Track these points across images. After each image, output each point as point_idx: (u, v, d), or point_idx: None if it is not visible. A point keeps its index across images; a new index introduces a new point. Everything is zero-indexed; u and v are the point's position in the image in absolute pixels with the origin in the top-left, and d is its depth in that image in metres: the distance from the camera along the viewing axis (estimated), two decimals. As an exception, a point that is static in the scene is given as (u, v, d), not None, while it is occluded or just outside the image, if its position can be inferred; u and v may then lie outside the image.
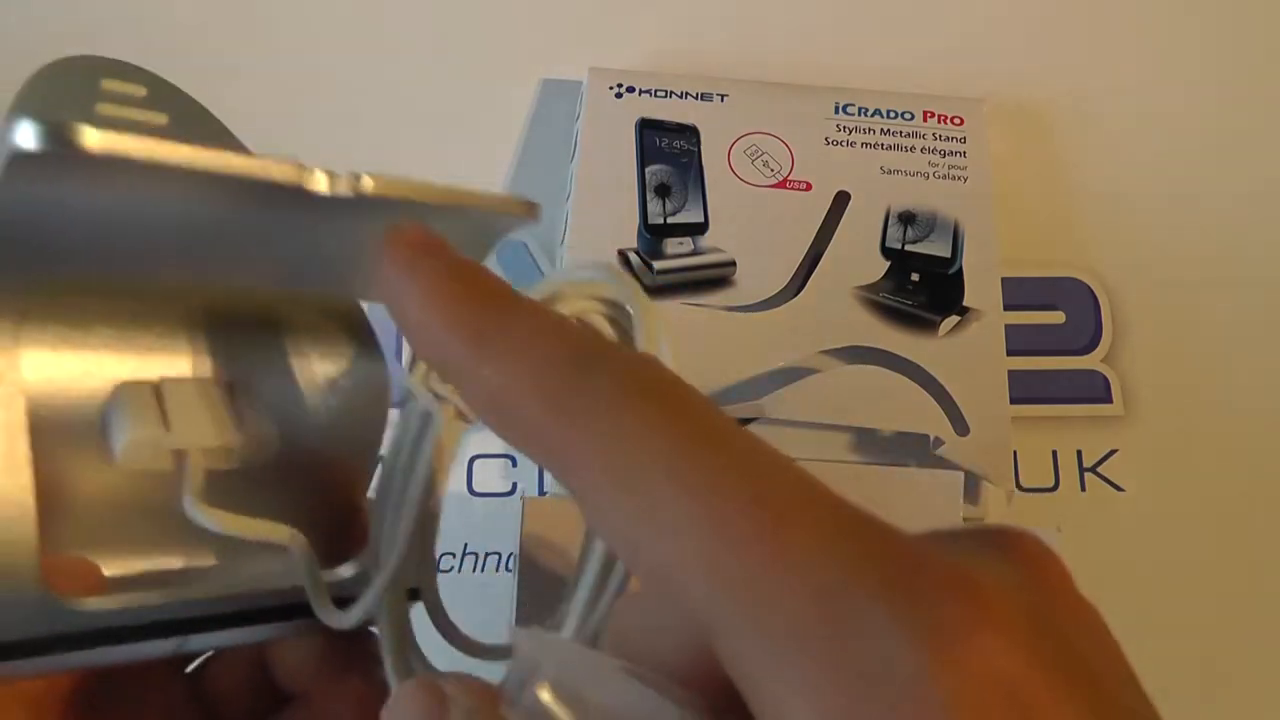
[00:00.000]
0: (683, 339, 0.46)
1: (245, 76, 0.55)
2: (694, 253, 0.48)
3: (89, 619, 0.22)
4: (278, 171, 0.21)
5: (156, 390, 0.24)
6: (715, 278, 0.48)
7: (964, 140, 0.51)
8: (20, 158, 0.17)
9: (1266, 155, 0.55)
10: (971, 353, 0.46)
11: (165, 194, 0.20)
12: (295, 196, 0.21)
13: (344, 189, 0.21)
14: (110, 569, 0.24)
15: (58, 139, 0.17)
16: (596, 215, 0.49)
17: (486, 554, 0.47)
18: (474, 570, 0.47)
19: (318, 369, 0.27)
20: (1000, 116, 0.53)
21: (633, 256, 0.48)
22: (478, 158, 0.54)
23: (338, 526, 0.27)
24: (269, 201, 0.21)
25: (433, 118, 0.55)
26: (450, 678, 0.18)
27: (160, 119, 0.26)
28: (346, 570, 0.26)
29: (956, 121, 0.52)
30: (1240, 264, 0.53)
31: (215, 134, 0.28)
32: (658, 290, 0.47)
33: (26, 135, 0.17)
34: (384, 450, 0.26)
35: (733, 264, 0.48)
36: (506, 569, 0.47)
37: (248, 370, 0.26)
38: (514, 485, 0.49)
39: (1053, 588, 0.16)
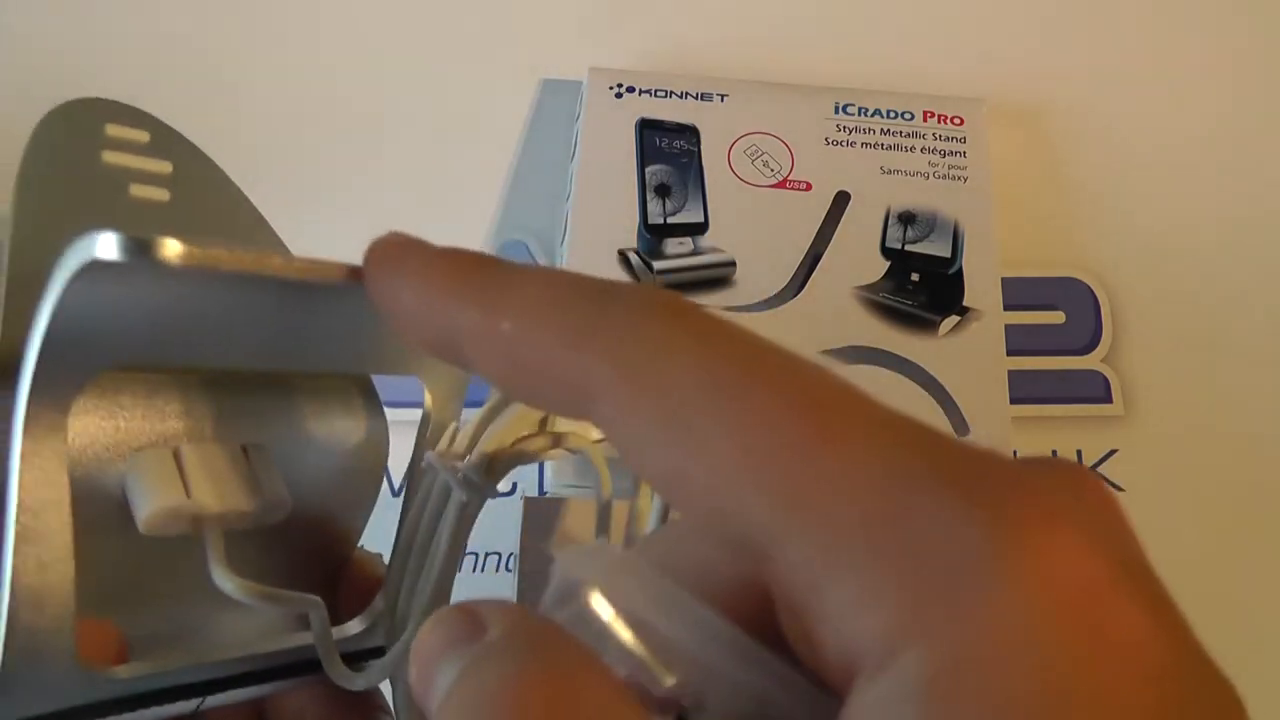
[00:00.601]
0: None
1: (246, 80, 0.55)
2: (694, 253, 0.48)
3: (118, 687, 0.22)
4: (348, 271, 0.21)
5: (176, 456, 0.24)
6: (715, 278, 0.48)
7: (964, 140, 0.51)
8: (98, 265, 0.18)
9: (1267, 155, 0.55)
10: (971, 353, 0.46)
11: (223, 291, 0.21)
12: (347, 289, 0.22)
13: None
14: (131, 630, 0.24)
15: (139, 250, 0.18)
16: (596, 215, 0.49)
17: (486, 554, 0.47)
18: (474, 570, 0.47)
19: (324, 427, 0.27)
20: (1000, 116, 0.53)
21: (633, 256, 0.48)
22: (478, 158, 0.54)
23: (332, 577, 0.28)
24: (321, 294, 0.22)
25: (433, 118, 0.55)
26: (482, 601, 0.17)
27: (164, 167, 0.27)
28: (354, 627, 0.26)
29: (956, 121, 0.52)
30: (1240, 264, 0.53)
31: (216, 183, 0.29)
32: None
33: (108, 246, 0.18)
34: (402, 518, 0.27)
35: (733, 264, 0.48)
36: (507, 569, 0.47)
37: (260, 431, 0.26)
38: (514, 485, 0.49)
39: (1106, 507, 0.15)
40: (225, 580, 0.23)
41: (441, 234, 0.56)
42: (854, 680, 0.13)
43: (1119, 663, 0.12)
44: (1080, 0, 0.58)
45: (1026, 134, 0.54)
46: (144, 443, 0.24)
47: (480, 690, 0.15)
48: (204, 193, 0.29)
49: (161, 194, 0.27)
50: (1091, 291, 0.52)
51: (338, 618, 0.27)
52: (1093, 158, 0.55)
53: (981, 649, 0.12)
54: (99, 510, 0.23)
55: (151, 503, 0.23)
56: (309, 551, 0.27)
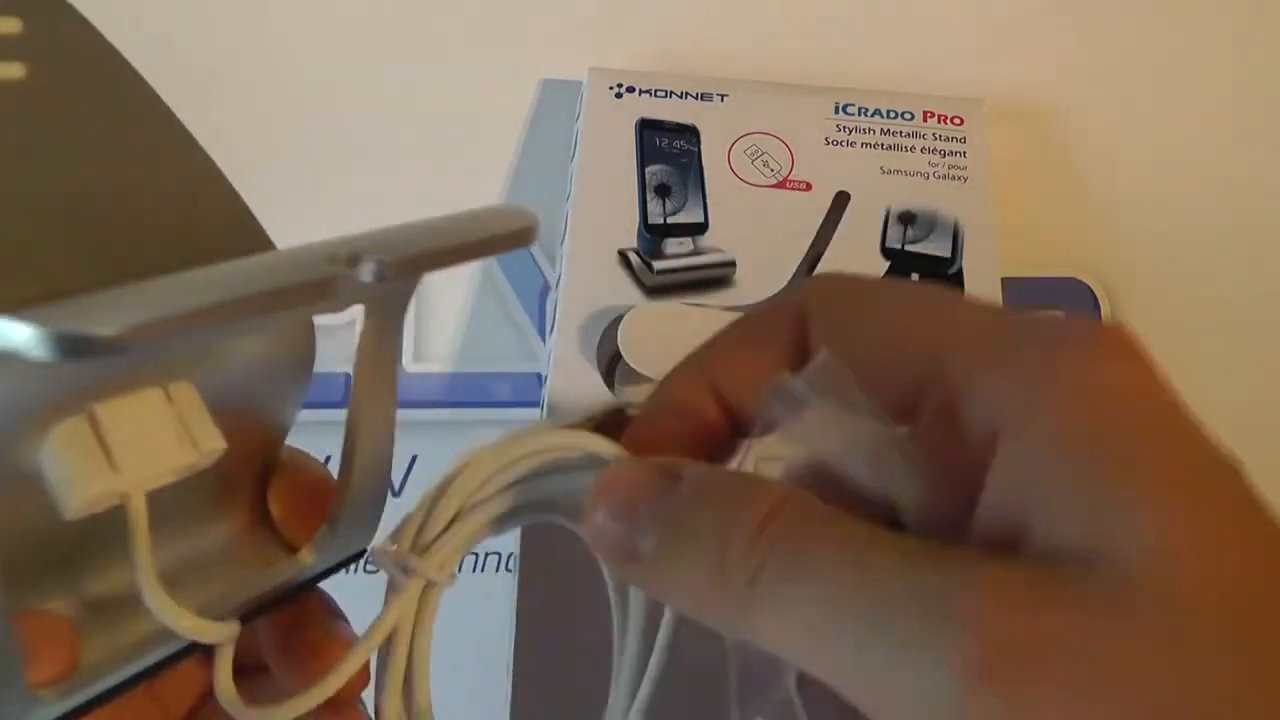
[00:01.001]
0: (682, 339, 0.46)
1: (246, 78, 0.55)
2: (694, 253, 0.48)
3: (73, 699, 0.21)
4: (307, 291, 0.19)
5: (92, 422, 0.20)
6: (715, 278, 0.48)
7: (964, 140, 0.51)
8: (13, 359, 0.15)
9: (1267, 155, 0.55)
10: None
11: None
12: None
13: (368, 276, 0.19)
14: (76, 601, 0.22)
15: (78, 350, 0.15)
16: (596, 215, 0.49)
17: (486, 554, 0.47)
18: (474, 570, 0.47)
19: (247, 346, 0.24)
20: (1000, 116, 0.53)
21: (633, 256, 0.48)
22: (478, 158, 0.54)
23: (261, 480, 0.26)
24: None
25: (433, 118, 0.55)
26: (665, 459, 0.21)
27: (11, 25, 0.21)
28: (307, 558, 0.25)
29: (956, 121, 0.52)
30: (1240, 264, 0.53)
31: (88, 47, 0.23)
32: (658, 290, 0.47)
33: (32, 341, 0.15)
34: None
35: (732, 264, 0.48)
36: (506, 569, 0.47)
37: (181, 366, 0.22)
38: (514, 485, 0.49)
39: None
40: (152, 598, 0.20)
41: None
42: (996, 441, 0.19)
43: (1172, 411, 0.21)
44: (1081, 1, 0.58)
45: (1026, 134, 0.54)
46: (53, 403, 0.20)
47: (715, 531, 0.19)
48: (75, 63, 0.22)
49: (15, 70, 0.21)
50: (1091, 291, 0.52)
51: (273, 524, 0.25)
52: (1093, 158, 0.54)
53: (1085, 402, 0.19)
54: (17, 491, 0.20)
55: (75, 491, 0.20)
56: (236, 459, 0.23)
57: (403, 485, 0.48)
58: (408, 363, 0.50)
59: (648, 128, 0.51)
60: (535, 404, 0.49)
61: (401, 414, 0.55)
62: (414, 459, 0.48)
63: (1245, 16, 0.57)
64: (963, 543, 0.20)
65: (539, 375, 0.50)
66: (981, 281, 0.48)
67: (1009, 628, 0.17)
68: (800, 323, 0.23)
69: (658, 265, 0.48)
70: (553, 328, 0.47)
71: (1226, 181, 0.54)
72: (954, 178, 0.50)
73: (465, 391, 0.50)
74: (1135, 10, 0.57)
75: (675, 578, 0.20)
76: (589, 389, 0.44)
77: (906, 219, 0.49)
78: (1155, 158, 0.54)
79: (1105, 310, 0.51)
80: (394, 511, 0.52)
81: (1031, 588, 0.17)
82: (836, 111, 0.51)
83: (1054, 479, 0.18)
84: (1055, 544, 0.18)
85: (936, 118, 0.52)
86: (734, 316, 0.45)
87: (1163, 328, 0.51)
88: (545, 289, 0.51)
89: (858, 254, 0.48)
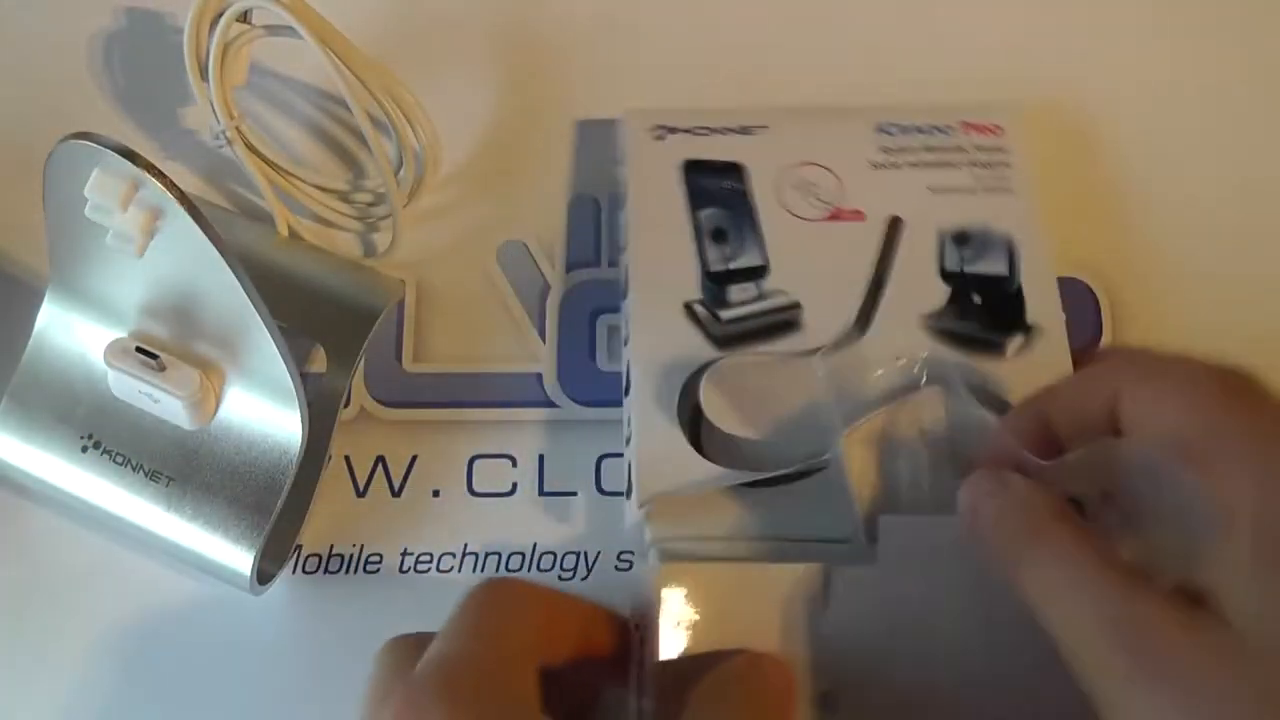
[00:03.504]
0: (763, 392, 0.43)
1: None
2: (758, 298, 0.46)
3: None
4: None
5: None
6: (783, 321, 0.45)
7: (1004, 150, 0.49)
8: None
9: (1269, 156, 0.53)
10: (1040, 370, 0.42)
11: None
12: None
13: None
14: None
15: None
16: (656, 268, 0.46)
17: (487, 554, 0.47)
18: (474, 570, 0.47)
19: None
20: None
21: (699, 309, 0.45)
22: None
23: None
24: None
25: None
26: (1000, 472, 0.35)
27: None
28: None
29: (995, 130, 0.49)
30: (1241, 265, 0.51)
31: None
32: (727, 340, 0.45)
33: None
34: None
35: (798, 305, 0.46)
36: (506, 569, 0.47)
37: None
38: (514, 485, 0.48)
39: None
40: None
41: (440, 232, 0.54)
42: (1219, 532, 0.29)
43: None
44: (1081, 6, 0.56)
45: (1026, 134, 0.52)
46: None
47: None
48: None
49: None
50: (1091, 291, 0.50)
51: None
52: (1093, 158, 0.53)
53: None
54: None
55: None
56: None
57: (403, 485, 0.48)
58: (407, 363, 0.49)
59: (692, 170, 0.48)
60: (535, 403, 0.49)
61: (401, 414, 0.55)
62: (414, 459, 0.48)
63: (1246, 17, 0.56)
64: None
65: (539, 375, 0.49)
66: (1040, 295, 0.46)
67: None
68: (1112, 394, 0.34)
69: (724, 315, 0.45)
70: (627, 387, 0.45)
71: (1227, 181, 0.53)
72: (1000, 190, 0.48)
73: (465, 391, 0.49)
74: (1135, 14, 0.56)
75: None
76: (674, 446, 0.42)
77: (961, 239, 0.47)
78: (1157, 158, 0.53)
79: (1105, 311, 0.50)
80: (395, 513, 0.52)
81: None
82: (877, 132, 0.50)
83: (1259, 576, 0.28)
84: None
85: (975, 129, 0.50)
86: (809, 362, 0.43)
87: (1163, 327, 0.50)
88: (545, 288, 0.50)
89: (918, 280, 0.46)
